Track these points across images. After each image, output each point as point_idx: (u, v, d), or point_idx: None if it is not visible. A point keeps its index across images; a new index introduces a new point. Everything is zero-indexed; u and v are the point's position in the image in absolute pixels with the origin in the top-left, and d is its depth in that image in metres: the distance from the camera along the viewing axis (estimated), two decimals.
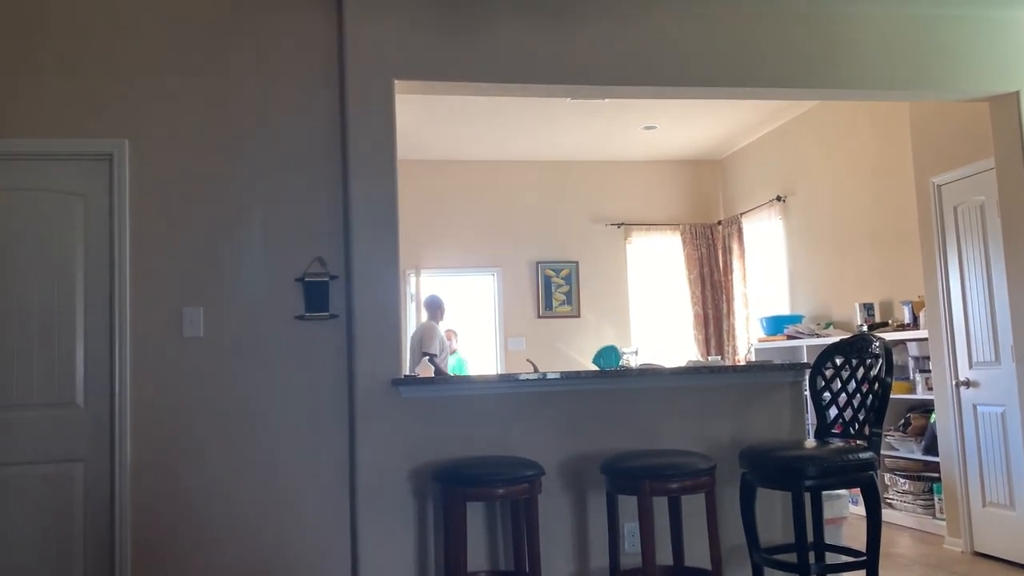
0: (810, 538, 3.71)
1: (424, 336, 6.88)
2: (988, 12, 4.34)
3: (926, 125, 5.24)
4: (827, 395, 3.79)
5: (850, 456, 3.34)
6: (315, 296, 3.74)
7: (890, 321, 6.08)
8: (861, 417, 3.56)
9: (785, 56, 4.18)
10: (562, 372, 3.74)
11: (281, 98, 3.84)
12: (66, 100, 3.69)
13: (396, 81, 3.84)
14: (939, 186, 5.12)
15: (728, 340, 8.71)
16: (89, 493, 3.55)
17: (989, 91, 4.37)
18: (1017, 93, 4.35)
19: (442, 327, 7.18)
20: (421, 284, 8.44)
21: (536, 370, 5.63)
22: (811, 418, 5.06)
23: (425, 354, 6.77)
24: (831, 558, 3.72)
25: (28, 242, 3.62)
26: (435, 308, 7.20)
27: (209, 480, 3.61)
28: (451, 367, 7.47)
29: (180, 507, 3.58)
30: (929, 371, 5.39)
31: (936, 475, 5.45)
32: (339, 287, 3.78)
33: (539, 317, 8.70)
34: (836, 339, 5.70)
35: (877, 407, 3.51)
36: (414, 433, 3.66)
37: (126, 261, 3.65)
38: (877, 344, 3.56)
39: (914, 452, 5.62)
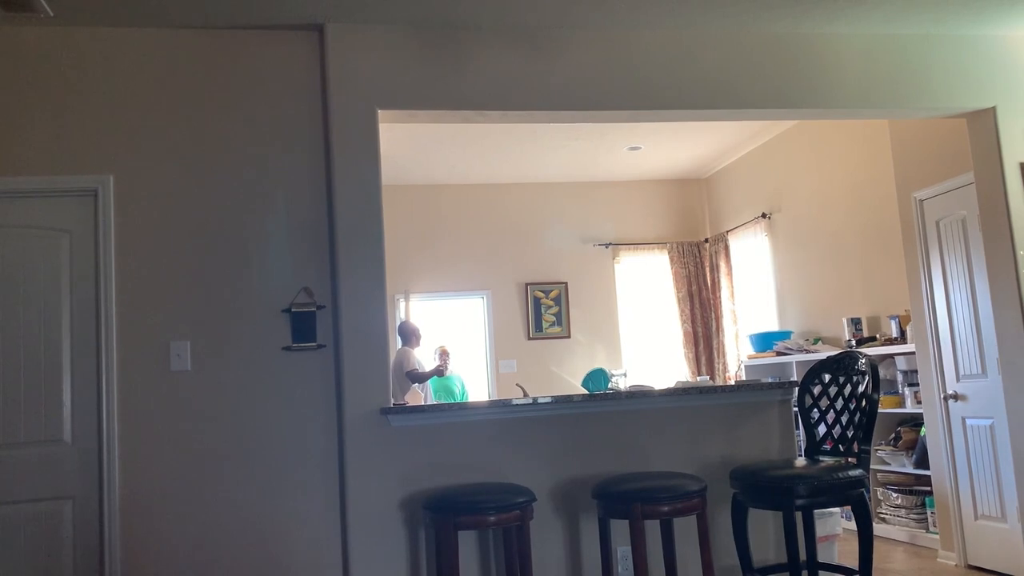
0: (803, 556, 3.71)
1: (403, 361, 6.86)
2: (963, 30, 4.41)
3: (906, 141, 5.30)
4: (815, 413, 3.80)
5: (840, 474, 3.35)
6: (302, 326, 3.74)
7: (878, 335, 6.11)
8: (850, 434, 3.58)
9: (764, 77, 4.23)
10: (552, 396, 3.74)
11: (265, 130, 3.86)
12: (50, 137, 3.70)
13: (379, 110, 3.87)
14: (921, 201, 5.17)
15: (718, 357, 8.73)
16: (78, 531, 3.53)
17: (966, 107, 4.43)
18: (993, 109, 4.42)
19: (426, 350, 7.18)
20: (411, 309, 8.43)
21: (525, 394, 5.64)
22: (802, 435, 5.07)
23: (408, 374, 6.74)
24: None
25: (13, 278, 3.61)
26: (408, 334, 7.17)
27: (200, 514, 3.59)
28: (447, 390, 7.41)
29: (171, 542, 3.56)
30: (918, 385, 5.41)
31: (928, 489, 5.46)
32: (326, 317, 3.78)
33: (529, 339, 8.70)
34: (825, 355, 5.72)
35: (865, 424, 3.52)
36: (404, 461, 3.66)
37: (112, 296, 3.65)
38: (863, 361, 3.59)
39: (905, 466, 5.63)
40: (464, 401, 6.79)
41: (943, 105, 4.39)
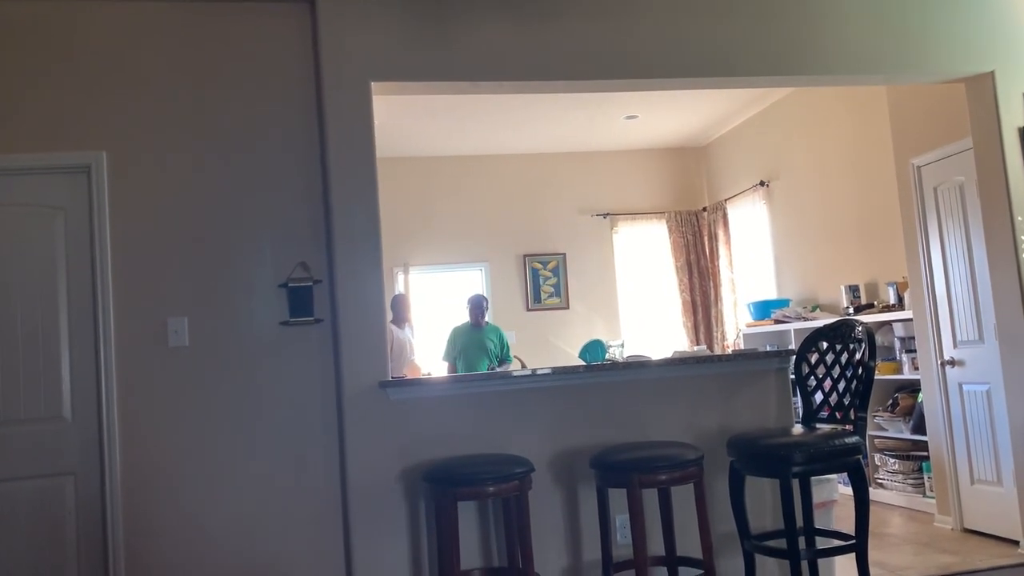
0: (800, 523, 3.74)
1: None
2: None
3: (904, 107, 5.27)
4: (812, 381, 3.81)
5: (836, 441, 3.37)
6: (299, 301, 3.74)
7: (876, 302, 6.12)
8: (846, 401, 3.59)
9: (761, 44, 4.19)
10: (551, 368, 3.75)
11: (258, 105, 3.83)
12: (42, 114, 3.67)
13: (373, 83, 3.83)
14: (919, 167, 5.15)
15: (717, 326, 8.75)
16: (80, 507, 3.55)
17: (964, 72, 4.39)
18: (992, 73, 4.38)
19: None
20: (409, 281, 8.43)
21: (524, 366, 5.65)
22: (799, 403, 5.09)
23: None
24: (822, 542, 3.76)
25: (8, 257, 3.60)
26: (394, 309, 6.89)
27: (200, 489, 3.61)
28: (478, 346, 6.77)
29: (172, 517, 3.59)
30: (915, 351, 5.43)
31: (925, 454, 5.49)
32: (323, 291, 3.78)
33: (528, 310, 8.72)
34: (823, 322, 5.73)
35: (862, 391, 3.53)
36: (403, 434, 3.67)
37: (108, 273, 3.64)
38: (860, 328, 3.59)
39: (903, 432, 5.66)
40: (466, 373, 6.69)
41: (941, 70, 4.35)
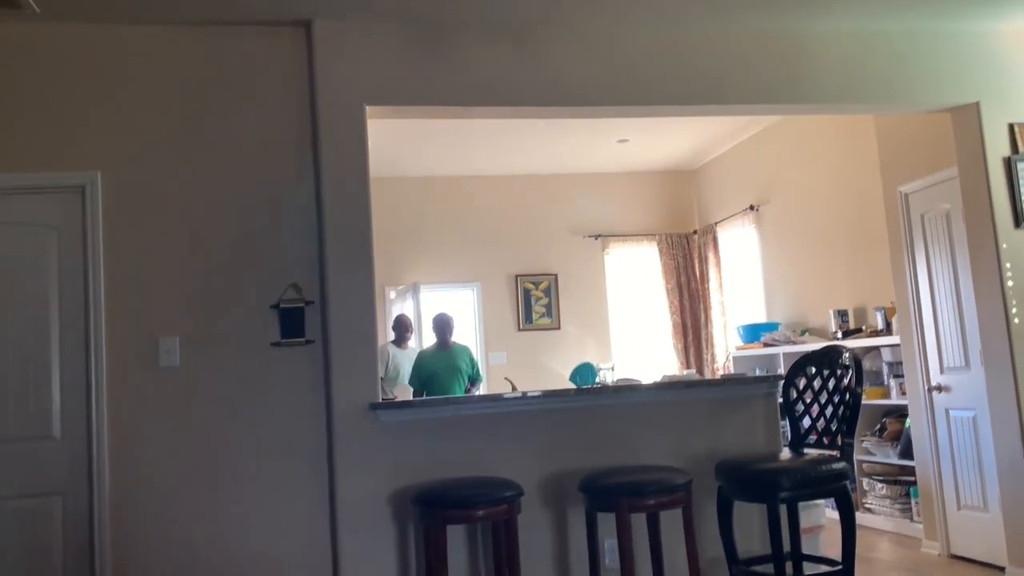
0: (788, 548, 3.75)
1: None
2: (947, 26, 4.44)
3: (892, 135, 5.34)
4: (800, 406, 3.84)
5: (823, 467, 3.39)
6: (291, 322, 3.75)
7: (864, 327, 6.17)
8: (834, 427, 3.62)
9: (751, 73, 4.25)
10: (541, 391, 3.77)
11: (253, 127, 3.86)
12: (37, 133, 3.69)
13: (367, 106, 3.87)
14: (906, 195, 5.21)
15: (707, 348, 8.77)
16: (68, 526, 3.54)
17: (950, 103, 4.46)
18: (977, 104, 4.45)
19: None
20: (407, 304, 8.43)
21: (514, 388, 5.66)
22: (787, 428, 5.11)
23: None
24: (809, 567, 3.77)
25: (1, 275, 3.61)
26: (393, 328, 6.81)
27: (189, 510, 3.61)
28: (450, 368, 6.45)
29: (161, 538, 3.58)
30: (903, 376, 5.46)
31: (912, 479, 5.52)
32: (314, 313, 3.79)
33: (520, 330, 8.73)
34: (812, 346, 5.77)
35: (849, 417, 3.57)
36: (393, 457, 3.68)
37: (100, 292, 3.65)
38: (847, 355, 3.63)
39: (890, 456, 5.69)
40: (457, 395, 6.60)
41: (927, 100, 4.43)
